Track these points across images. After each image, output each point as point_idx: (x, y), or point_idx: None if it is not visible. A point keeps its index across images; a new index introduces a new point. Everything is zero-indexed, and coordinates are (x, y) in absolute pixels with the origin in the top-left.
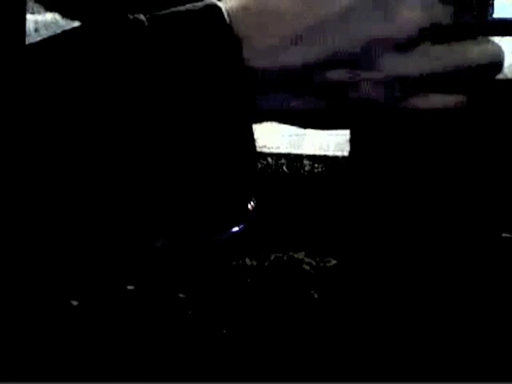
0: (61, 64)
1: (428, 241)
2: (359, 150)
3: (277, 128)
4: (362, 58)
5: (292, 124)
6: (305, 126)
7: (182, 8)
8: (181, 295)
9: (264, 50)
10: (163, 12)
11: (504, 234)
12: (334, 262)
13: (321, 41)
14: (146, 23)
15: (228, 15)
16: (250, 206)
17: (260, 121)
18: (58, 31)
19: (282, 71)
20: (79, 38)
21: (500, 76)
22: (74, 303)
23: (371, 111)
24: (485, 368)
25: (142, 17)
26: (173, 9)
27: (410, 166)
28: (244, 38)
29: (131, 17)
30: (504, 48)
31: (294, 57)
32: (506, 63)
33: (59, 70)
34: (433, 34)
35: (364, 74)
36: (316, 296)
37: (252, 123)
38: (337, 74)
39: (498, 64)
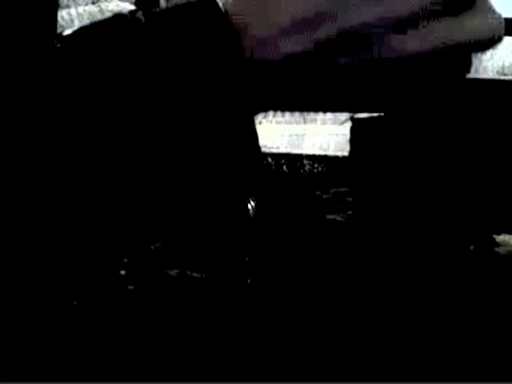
0: (61, 63)
1: (426, 239)
2: (359, 150)
3: (277, 128)
4: (363, 39)
5: (296, 110)
6: (309, 110)
7: (178, 3)
8: (180, 295)
9: (264, 40)
10: (160, 8)
11: (504, 235)
12: (333, 261)
13: (321, 25)
14: (144, 20)
15: (225, 7)
16: (249, 206)
17: (264, 110)
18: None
19: (283, 59)
20: (79, 37)
21: (500, 76)
22: (74, 303)
23: (374, 92)
24: (484, 367)
25: (139, 14)
26: (169, 4)
27: (409, 165)
28: (243, 30)
29: (129, 14)
30: (504, 48)
31: (295, 44)
32: (507, 63)
33: (58, 69)
34: (434, 10)
35: (365, 55)
36: (316, 296)
37: (254, 116)
38: (337, 58)
39: (498, 34)
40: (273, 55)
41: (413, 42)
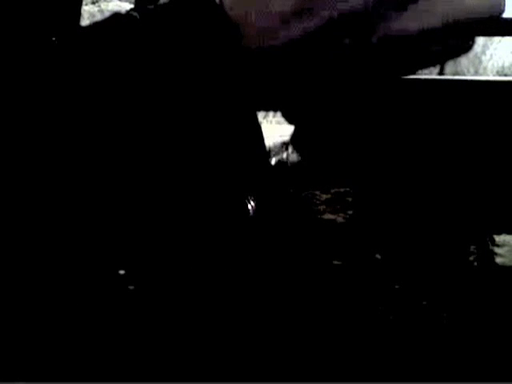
0: (58, 64)
1: (426, 239)
2: (359, 150)
3: (277, 128)
4: (361, 21)
5: (296, 110)
6: (310, 110)
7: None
8: (179, 294)
9: (264, 28)
10: (155, 5)
11: (504, 235)
12: (334, 262)
13: (321, 9)
14: (139, 17)
15: (223, 0)
16: (249, 206)
17: (265, 109)
18: None
19: (283, 47)
20: (77, 37)
21: (501, 77)
22: (75, 302)
23: (373, 75)
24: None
25: (134, 12)
26: (165, 0)
27: (410, 165)
28: (241, 20)
29: (124, 13)
30: (504, 48)
31: (295, 30)
32: (507, 63)
33: (55, 70)
34: None
35: (364, 38)
36: (315, 297)
37: (256, 112)
38: (336, 42)
39: (498, 11)
40: (273, 42)
41: (413, 21)
